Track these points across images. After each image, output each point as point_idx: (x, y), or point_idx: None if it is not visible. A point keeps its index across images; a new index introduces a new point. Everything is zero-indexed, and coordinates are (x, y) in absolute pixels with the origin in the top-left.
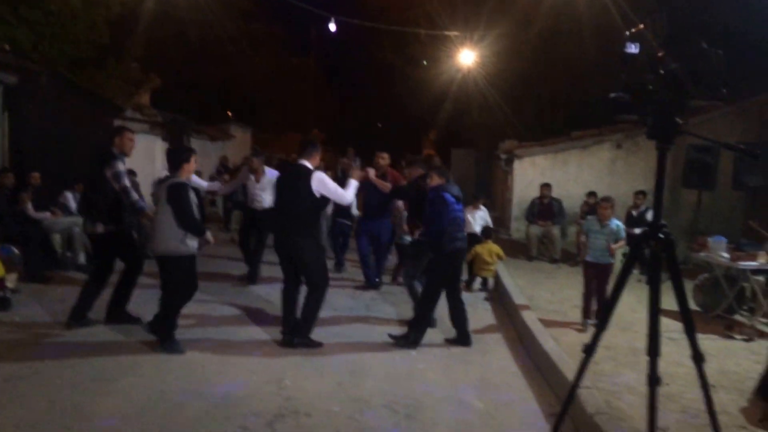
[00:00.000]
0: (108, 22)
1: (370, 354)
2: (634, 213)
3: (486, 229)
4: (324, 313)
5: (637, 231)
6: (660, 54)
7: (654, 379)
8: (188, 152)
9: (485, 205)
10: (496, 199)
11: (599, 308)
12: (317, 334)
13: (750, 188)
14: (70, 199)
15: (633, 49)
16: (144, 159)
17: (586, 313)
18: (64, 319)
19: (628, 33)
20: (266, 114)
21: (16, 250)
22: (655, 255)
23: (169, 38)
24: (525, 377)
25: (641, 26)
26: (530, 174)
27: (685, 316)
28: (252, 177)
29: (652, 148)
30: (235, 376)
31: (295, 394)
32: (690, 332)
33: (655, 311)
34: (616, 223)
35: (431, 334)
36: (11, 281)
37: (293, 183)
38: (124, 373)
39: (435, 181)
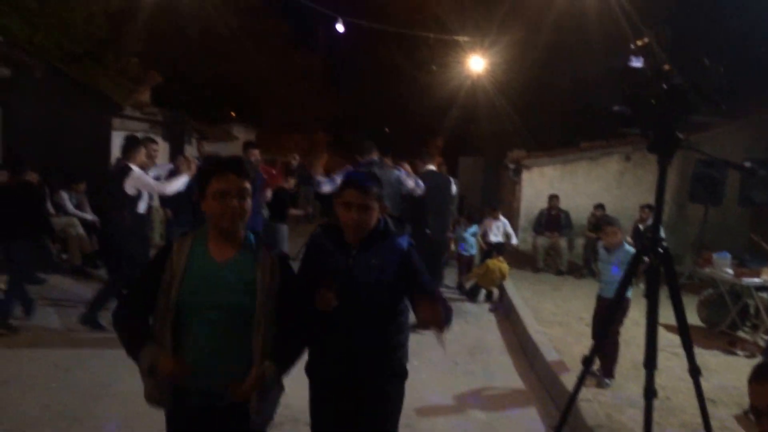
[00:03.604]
0: (107, 14)
1: None
2: (641, 227)
3: (499, 246)
4: None
5: None
6: (663, 68)
7: (650, 392)
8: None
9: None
10: (504, 208)
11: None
12: None
13: (756, 204)
14: (66, 199)
15: (636, 62)
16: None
17: (592, 361)
18: (57, 323)
19: (632, 47)
20: (270, 114)
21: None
22: (654, 269)
23: (171, 34)
24: (527, 389)
25: (645, 40)
26: (538, 184)
27: (682, 330)
28: None
29: None
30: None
31: (295, 402)
32: (687, 346)
33: (652, 325)
34: (627, 249)
35: (437, 346)
36: (2, 282)
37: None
38: (122, 378)
39: None
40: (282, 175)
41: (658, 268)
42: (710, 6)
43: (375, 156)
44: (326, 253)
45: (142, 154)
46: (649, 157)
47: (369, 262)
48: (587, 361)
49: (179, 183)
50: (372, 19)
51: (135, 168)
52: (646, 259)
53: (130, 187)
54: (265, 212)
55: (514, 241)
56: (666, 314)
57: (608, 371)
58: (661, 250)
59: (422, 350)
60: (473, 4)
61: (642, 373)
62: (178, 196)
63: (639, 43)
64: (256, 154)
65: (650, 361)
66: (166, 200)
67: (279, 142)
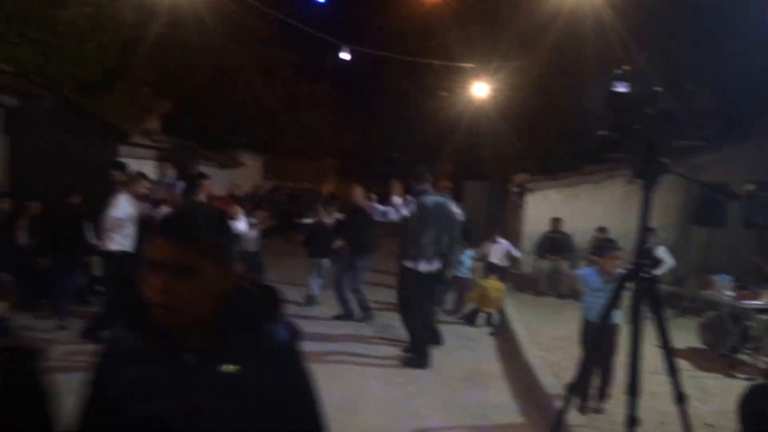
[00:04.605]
0: (117, 44)
1: (364, 388)
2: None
3: (491, 266)
4: (318, 346)
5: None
6: (649, 92)
7: (633, 420)
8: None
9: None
10: (509, 232)
11: (603, 385)
12: (314, 368)
13: (760, 226)
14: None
15: (621, 88)
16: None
17: (581, 389)
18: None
19: (617, 72)
20: (279, 141)
21: (7, 278)
22: (637, 294)
23: (181, 63)
24: (523, 415)
25: (629, 66)
26: (542, 208)
27: (667, 356)
28: None
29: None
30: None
31: None
32: (672, 372)
33: (635, 351)
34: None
35: (435, 369)
36: (1, 309)
37: None
38: None
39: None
40: (230, 205)
41: (641, 293)
42: (712, 32)
43: (428, 184)
44: (137, 364)
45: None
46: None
47: (219, 381)
48: (572, 389)
49: None
50: (379, 46)
51: None
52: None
53: None
54: None
55: (517, 253)
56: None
57: (602, 395)
58: (644, 275)
59: (417, 376)
60: (478, 31)
61: (641, 399)
62: None
63: (624, 68)
64: (207, 186)
65: (633, 388)
66: None
67: (287, 168)
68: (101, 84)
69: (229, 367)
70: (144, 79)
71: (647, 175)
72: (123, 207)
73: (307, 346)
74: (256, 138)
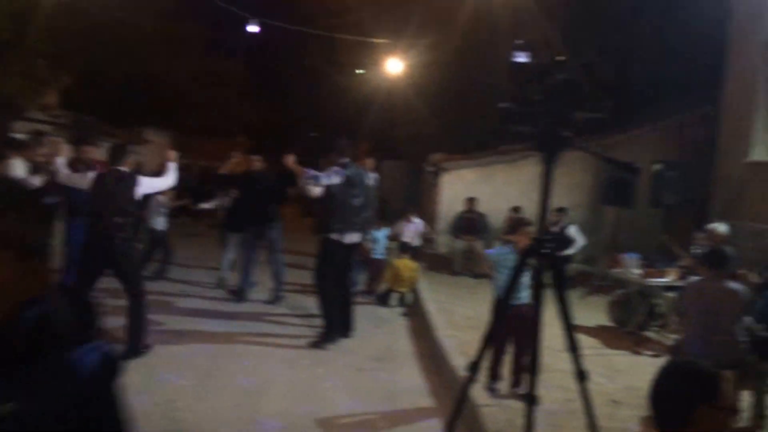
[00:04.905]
0: (9, 14)
1: (273, 372)
2: (555, 230)
3: (403, 245)
4: (222, 327)
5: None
6: (551, 63)
7: (531, 398)
8: None
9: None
10: (425, 212)
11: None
12: (221, 351)
13: (666, 206)
14: None
15: (522, 58)
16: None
17: (494, 372)
18: None
19: (517, 42)
20: (188, 118)
21: None
22: (538, 272)
23: (83, 35)
24: (432, 396)
25: (531, 36)
26: (457, 187)
27: (568, 333)
28: None
29: (578, 163)
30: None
31: (187, 416)
32: (573, 350)
33: (536, 328)
34: None
35: (346, 351)
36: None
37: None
38: None
39: None
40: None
41: (541, 271)
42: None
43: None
44: None
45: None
46: (566, 160)
47: None
48: (473, 367)
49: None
50: (293, 23)
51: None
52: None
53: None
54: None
55: (428, 230)
56: (576, 315)
57: (517, 379)
58: (546, 251)
59: (328, 358)
60: (391, 7)
61: (548, 375)
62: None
63: (528, 39)
64: (88, 152)
65: (533, 366)
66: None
67: (197, 146)
68: None
69: (4, 407)
70: (40, 51)
71: (548, 148)
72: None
73: (211, 328)
74: (164, 114)
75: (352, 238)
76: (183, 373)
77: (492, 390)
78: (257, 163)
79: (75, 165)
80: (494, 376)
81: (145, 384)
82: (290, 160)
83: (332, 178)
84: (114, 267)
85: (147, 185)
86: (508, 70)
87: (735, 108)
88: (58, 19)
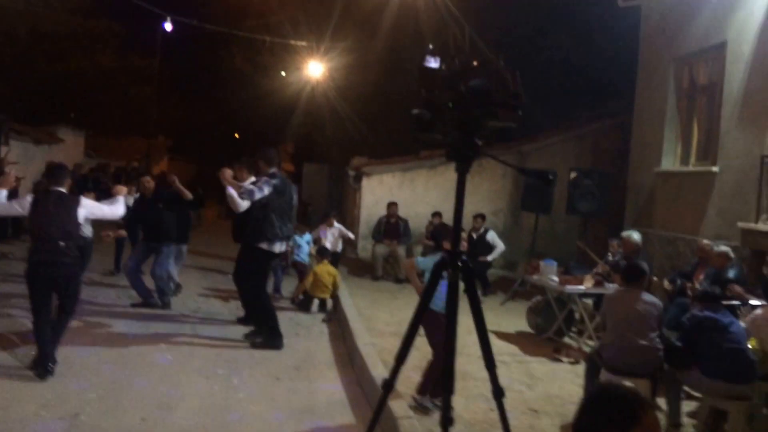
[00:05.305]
0: None
1: (186, 383)
2: (474, 236)
3: (322, 249)
4: (132, 339)
5: (488, 258)
6: (462, 69)
7: (446, 420)
8: None
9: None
10: (347, 216)
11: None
12: (131, 361)
13: (581, 213)
14: None
15: (433, 63)
16: None
17: (432, 388)
18: None
19: (429, 46)
20: (104, 117)
21: None
22: (454, 283)
23: None
24: (351, 405)
25: (443, 40)
26: (378, 192)
27: (484, 350)
28: None
29: (496, 170)
30: (20, 409)
31: None
32: (490, 366)
33: (451, 346)
34: None
35: (263, 359)
36: None
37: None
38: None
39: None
40: None
41: (457, 281)
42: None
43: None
44: None
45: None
46: (485, 166)
47: None
48: (388, 386)
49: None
50: (216, 23)
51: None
52: None
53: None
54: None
55: (351, 235)
56: (496, 321)
57: (435, 391)
58: (460, 263)
59: (242, 367)
60: (314, 10)
61: (470, 384)
62: None
63: (433, 44)
64: None
65: (448, 386)
66: None
67: (114, 146)
68: None
69: None
70: None
71: (460, 157)
72: None
73: (122, 336)
74: (79, 112)
75: (281, 247)
76: (91, 382)
77: (422, 406)
78: (148, 184)
79: None
80: (433, 391)
81: (51, 396)
82: (227, 174)
83: (264, 190)
84: (59, 291)
85: (91, 210)
86: (419, 76)
87: (646, 119)
88: None
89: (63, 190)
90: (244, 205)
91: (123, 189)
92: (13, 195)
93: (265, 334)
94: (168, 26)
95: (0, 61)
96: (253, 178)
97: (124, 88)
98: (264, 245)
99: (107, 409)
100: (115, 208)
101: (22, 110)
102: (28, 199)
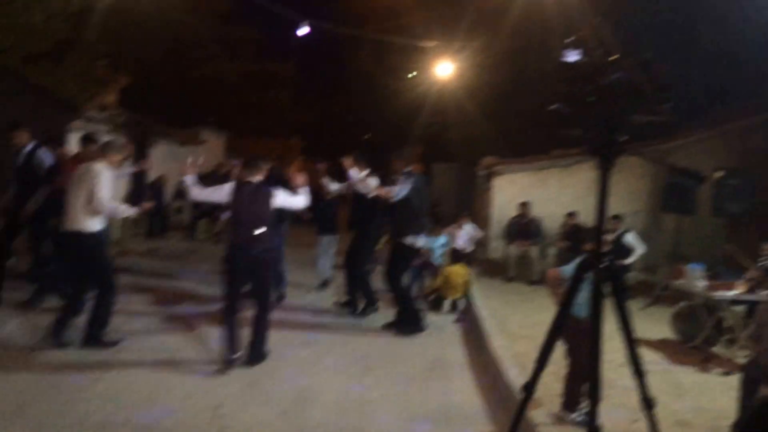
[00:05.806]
0: (67, 14)
1: (321, 380)
2: (610, 238)
3: (455, 252)
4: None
5: (626, 261)
6: (603, 62)
7: (593, 429)
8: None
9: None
10: (477, 216)
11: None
12: (271, 354)
13: (730, 215)
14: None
15: (573, 56)
16: None
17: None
18: None
19: (568, 40)
20: (242, 119)
21: None
22: (597, 286)
23: (139, 36)
24: (486, 410)
25: (582, 33)
26: (510, 192)
27: (632, 356)
28: None
29: (635, 169)
30: (167, 401)
31: (232, 424)
32: (639, 374)
33: (597, 351)
34: None
35: (397, 359)
36: None
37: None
38: (39, 398)
39: None
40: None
41: (600, 284)
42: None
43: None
44: None
45: None
46: (623, 165)
47: None
48: (529, 388)
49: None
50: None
51: None
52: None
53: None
54: None
55: (481, 234)
56: (637, 327)
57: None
58: (605, 263)
59: (376, 366)
60: (444, 10)
61: (612, 392)
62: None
63: (579, 35)
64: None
65: (594, 391)
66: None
67: (251, 147)
68: (51, 56)
69: None
70: (98, 52)
71: (603, 154)
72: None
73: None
74: (219, 115)
75: (422, 242)
76: (231, 375)
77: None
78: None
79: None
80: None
81: (196, 387)
82: (348, 163)
83: (405, 189)
84: (251, 276)
85: (282, 200)
86: (559, 70)
87: None
88: (113, 20)
89: (257, 180)
90: (370, 184)
91: (301, 178)
92: (157, 192)
93: (405, 320)
94: (305, 31)
95: (144, 65)
96: (366, 171)
97: (259, 91)
98: (408, 240)
99: (248, 403)
100: (300, 198)
101: (167, 113)
102: (227, 188)
